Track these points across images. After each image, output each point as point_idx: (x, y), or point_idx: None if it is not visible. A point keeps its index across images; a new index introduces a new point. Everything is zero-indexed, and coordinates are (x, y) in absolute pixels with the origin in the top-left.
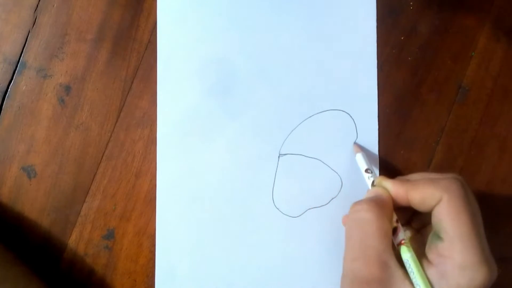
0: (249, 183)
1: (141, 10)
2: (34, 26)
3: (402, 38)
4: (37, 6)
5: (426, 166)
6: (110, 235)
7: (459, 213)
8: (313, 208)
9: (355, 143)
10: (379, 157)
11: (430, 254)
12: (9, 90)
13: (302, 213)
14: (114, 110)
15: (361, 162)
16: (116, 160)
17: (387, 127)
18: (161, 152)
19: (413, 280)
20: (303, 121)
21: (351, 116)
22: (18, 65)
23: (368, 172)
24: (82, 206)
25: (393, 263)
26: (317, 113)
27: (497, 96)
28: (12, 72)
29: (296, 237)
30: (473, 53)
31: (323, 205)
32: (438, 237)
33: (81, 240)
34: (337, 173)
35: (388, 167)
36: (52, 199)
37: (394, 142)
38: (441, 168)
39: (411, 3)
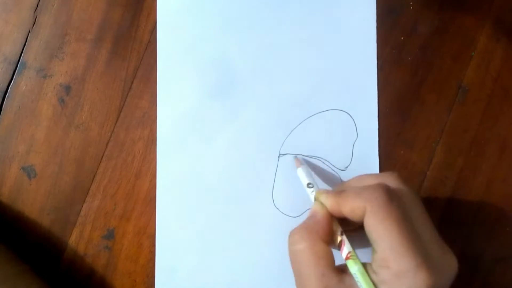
0: (249, 183)
1: (141, 10)
2: (34, 26)
3: (402, 38)
4: (37, 6)
5: (426, 166)
6: (110, 235)
7: (384, 222)
8: None
9: (295, 157)
10: (379, 157)
11: (373, 263)
12: (9, 90)
13: (302, 213)
14: (114, 110)
15: (302, 177)
16: (116, 160)
17: (387, 127)
18: (161, 152)
19: None
20: (303, 121)
21: (351, 116)
22: (18, 65)
23: (310, 187)
24: (82, 206)
25: (334, 282)
26: (317, 113)
27: (497, 96)
28: (12, 72)
29: None
30: (473, 53)
31: None
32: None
33: (81, 240)
34: (337, 173)
35: (388, 167)
36: (52, 199)
37: (394, 142)
38: (441, 169)
39: (411, 3)
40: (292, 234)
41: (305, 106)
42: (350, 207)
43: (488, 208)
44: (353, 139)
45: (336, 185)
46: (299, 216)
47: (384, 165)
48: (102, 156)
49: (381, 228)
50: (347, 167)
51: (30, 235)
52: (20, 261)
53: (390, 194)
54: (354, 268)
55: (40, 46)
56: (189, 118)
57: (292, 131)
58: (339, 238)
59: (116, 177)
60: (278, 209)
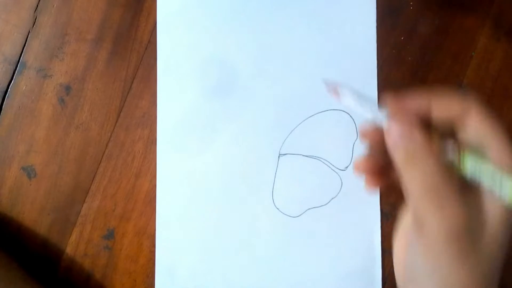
0: (249, 183)
1: (141, 10)
2: (34, 26)
3: (402, 38)
4: (37, 6)
5: None
6: (110, 235)
7: (493, 121)
8: (313, 208)
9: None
10: None
11: None
12: (9, 90)
13: (302, 213)
14: (114, 110)
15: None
16: (116, 160)
17: None
18: (161, 152)
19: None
20: (303, 121)
21: (351, 116)
22: (18, 65)
23: (368, 107)
24: (82, 206)
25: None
26: (317, 113)
27: (497, 96)
28: (12, 72)
29: (296, 237)
30: (473, 53)
31: (323, 205)
32: (479, 151)
33: (81, 240)
34: (337, 173)
35: None
36: (52, 199)
37: None
38: None
39: (411, 3)
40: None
41: (305, 106)
42: (447, 107)
43: None
44: (353, 139)
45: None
46: (299, 216)
47: None
48: (102, 156)
49: (492, 127)
50: (347, 167)
51: (30, 235)
52: (16, 264)
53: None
54: (476, 161)
55: (40, 46)
56: (189, 118)
57: (292, 131)
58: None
59: (116, 177)
60: (278, 209)
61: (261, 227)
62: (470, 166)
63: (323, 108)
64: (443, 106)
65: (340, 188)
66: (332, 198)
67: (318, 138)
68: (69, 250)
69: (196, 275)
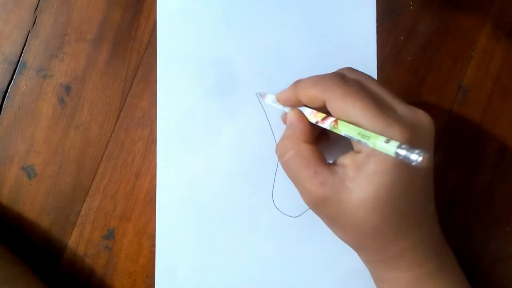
0: (249, 183)
1: (141, 10)
2: (34, 26)
3: (402, 38)
4: (37, 6)
5: None
6: (110, 235)
7: (345, 101)
8: None
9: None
10: None
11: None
12: (9, 90)
13: (302, 213)
14: (114, 110)
15: (272, 102)
16: (116, 160)
17: None
18: (161, 152)
19: (365, 140)
20: None
21: None
22: (18, 65)
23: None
24: (82, 206)
25: (328, 175)
26: None
27: (497, 96)
28: (12, 72)
29: (296, 237)
30: (473, 53)
31: None
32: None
33: (81, 240)
34: None
35: None
36: (52, 199)
37: None
38: (441, 169)
39: (411, 3)
40: (277, 149)
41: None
42: (307, 97)
43: (488, 208)
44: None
45: None
46: (299, 216)
47: None
48: (102, 156)
49: (344, 108)
50: None
51: (30, 235)
52: (20, 261)
53: (344, 77)
54: (346, 127)
55: (40, 46)
56: (189, 118)
57: None
58: (320, 116)
59: (116, 177)
60: (278, 209)
61: (261, 227)
62: (343, 130)
63: None
64: (306, 97)
65: None
66: None
67: None
68: (69, 250)
69: (196, 275)
